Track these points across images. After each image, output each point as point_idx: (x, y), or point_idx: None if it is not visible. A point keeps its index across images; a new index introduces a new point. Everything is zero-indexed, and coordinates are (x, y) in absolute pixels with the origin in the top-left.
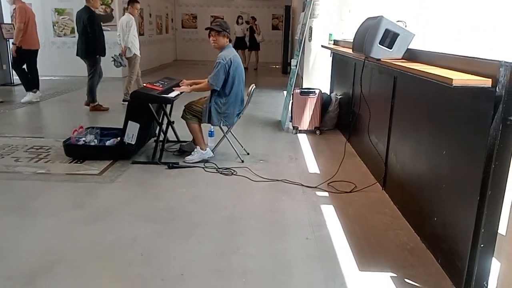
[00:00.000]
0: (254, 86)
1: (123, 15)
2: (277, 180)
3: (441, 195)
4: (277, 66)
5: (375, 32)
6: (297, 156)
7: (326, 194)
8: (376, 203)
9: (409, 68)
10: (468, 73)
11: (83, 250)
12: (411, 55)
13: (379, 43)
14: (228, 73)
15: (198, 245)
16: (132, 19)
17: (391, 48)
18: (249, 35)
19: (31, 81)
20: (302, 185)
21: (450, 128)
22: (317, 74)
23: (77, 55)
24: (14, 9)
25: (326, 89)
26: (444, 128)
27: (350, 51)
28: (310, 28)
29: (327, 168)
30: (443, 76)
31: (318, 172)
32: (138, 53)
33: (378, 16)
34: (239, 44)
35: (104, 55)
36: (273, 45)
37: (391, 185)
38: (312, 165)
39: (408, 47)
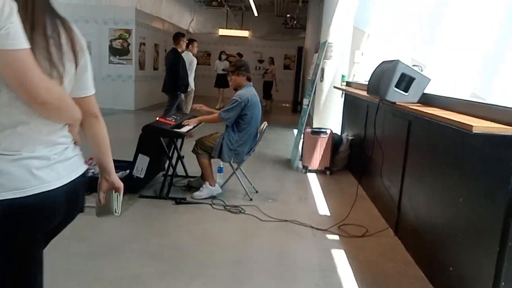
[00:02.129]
0: (266, 124)
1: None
2: (286, 221)
3: (458, 244)
4: (287, 105)
5: (391, 76)
6: (307, 196)
7: (337, 237)
8: (388, 249)
9: (425, 112)
10: (487, 120)
11: (84, 286)
12: (427, 99)
13: (395, 87)
14: (244, 111)
15: (203, 287)
16: (194, 58)
17: (407, 92)
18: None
19: None
20: (312, 227)
21: (467, 175)
22: (328, 114)
23: (162, 90)
24: None
25: (336, 129)
26: (461, 175)
27: (363, 93)
28: (322, 69)
29: (338, 210)
30: (462, 123)
31: (329, 214)
32: (193, 87)
33: (394, 60)
34: (219, 82)
35: (185, 92)
36: (284, 84)
37: (404, 230)
38: (322, 206)
39: (424, 92)
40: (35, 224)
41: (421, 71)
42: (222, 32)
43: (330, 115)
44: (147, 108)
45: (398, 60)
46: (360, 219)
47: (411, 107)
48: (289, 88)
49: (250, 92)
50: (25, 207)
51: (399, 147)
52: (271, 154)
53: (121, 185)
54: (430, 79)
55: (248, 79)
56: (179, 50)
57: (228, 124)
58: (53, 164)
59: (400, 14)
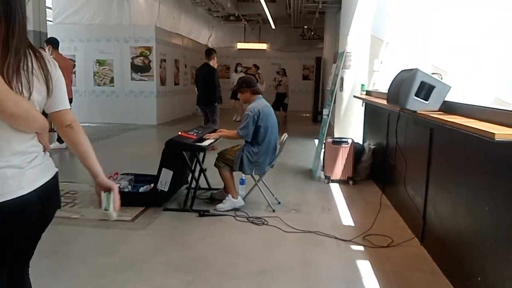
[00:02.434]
0: (287, 135)
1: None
2: (310, 232)
3: (485, 253)
4: (307, 115)
5: (410, 84)
6: (330, 207)
7: (362, 248)
8: (414, 259)
9: (447, 121)
10: (510, 127)
11: None
12: (448, 107)
13: (415, 95)
14: (257, 123)
15: None
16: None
17: (427, 100)
18: None
19: None
20: (336, 238)
21: (492, 183)
22: (349, 123)
23: (197, 104)
24: None
25: (357, 139)
26: (486, 183)
27: (383, 101)
28: (342, 79)
29: (362, 220)
30: (484, 130)
31: (353, 224)
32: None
33: (413, 69)
34: (235, 94)
35: (221, 103)
36: (303, 94)
37: (430, 240)
38: (346, 217)
39: (445, 99)
40: (10, 227)
41: (441, 78)
42: (241, 45)
43: (351, 125)
44: (169, 122)
45: (417, 69)
46: (385, 229)
47: (432, 115)
48: (309, 98)
49: (260, 104)
50: (2, 211)
51: (422, 156)
52: (293, 165)
53: (111, 184)
54: (450, 87)
55: (254, 93)
56: (211, 64)
57: (247, 140)
58: (25, 171)
59: (419, 20)
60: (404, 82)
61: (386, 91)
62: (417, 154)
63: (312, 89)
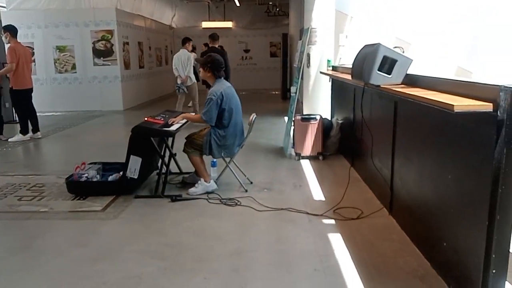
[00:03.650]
0: (255, 115)
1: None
2: (282, 209)
3: (449, 220)
4: (276, 92)
5: (373, 59)
6: (301, 183)
7: (333, 221)
8: (383, 229)
9: (409, 94)
10: (469, 98)
11: None
12: (411, 80)
13: (378, 70)
14: (221, 107)
15: (204, 281)
16: (190, 54)
17: (390, 74)
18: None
19: (26, 123)
20: (308, 213)
21: (454, 153)
22: (317, 100)
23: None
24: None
25: (326, 114)
26: (448, 153)
27: (349, 77)
28: (308, 55)
29: (332, 194)
30: (444, 102)
31: (323, 199)
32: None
33: (375, 43)
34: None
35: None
36: (272, 71)
37: (398, 210)
38: (317, 192)
39: (407, 73)
40: None
41: (403, 52)
42: (205, 24)
43: (319, 101)
44: (135, 107)
45: (379, 43)
46: (354, 201)
47: (395, 89)
48: (277, 76)
49: (222, 87)
50: None
51: (387, 129)
52: (264, 144)
53: None
54: (412, 60)
55: (216, 77)
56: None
57: (211, 124)
58: None
59: None
60: (367, 57)
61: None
62: (383, 127)
63: (280, 66)
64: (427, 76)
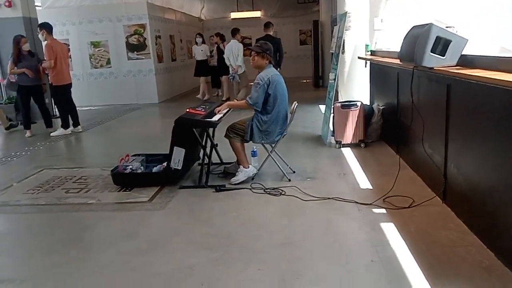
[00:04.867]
0: (297, 104)
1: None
2: (329, 198)
3: None
4: (307, 81)
5: (425, 40)
6: (345, 172)
7: (383, 211)
8: (438, 218)
9: (470, 75)
10: None
11: (143, 281)
12: (466, 61)
13: (431, 51)
14: (267, 92)
15: (258, 272)
16: (240, 44)
17: (443, 56)
18: (217, 58)
19: (66, 118)
20: (356, 202)
21: None
22: (353, 85)
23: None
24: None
25: (365, 100)
26: None
27: (390, 60)
28: (343, 41)
29: (380, 182)
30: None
31: (371, 187)
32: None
33: (427, 24)
34: (199, 69)
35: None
36: (302, 59)
37: (453, 198)
38: (363, 180)
39: (462, 53)
40: None
41: (456, 32)
42: (234, 15)
43: (355, 87)
44: (169, 99)
45: (431, 24)
46: (404, 189)
47: (451, 70)
48: (307, 64)
49: (270, 73)
50: None
51: (439, 113)
52: (301, 132)
53: None
54: (467, 40)
55: (270, 62)
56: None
57: (257, 109)
58: None
59: None
60: (418, 38)
61: (393, 50)
62: (433, 111)
63: (310, 54)
64: (486, 56)
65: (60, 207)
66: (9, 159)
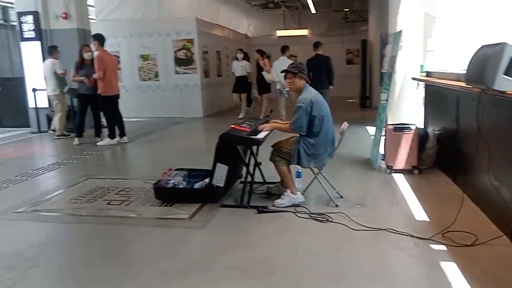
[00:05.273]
0: (348, 124)
1: (241, 59)
2: (381, 229)
3: None
4: (353, 101)
5: (497, 62)
6: (398, 200)
7: (443, 247)
8: (508, 260)
9: None
10: None
11: None
12: None
13: (504, 74)
14: (311, 114)
15: None
16: (290, 61)
17: None
18: (256, 74)
19: (113, 128)
20: (412, 236)
21: None
22: (402, 108)
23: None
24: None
25: (414, 123)
26: None
27: (450, 82)
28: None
29: (437, 214)
30: None
31: (427, 219)
32: None
33: (498, 43)
34: (238, 86)
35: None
36: (348, 79)
37: None
38: (419, 211)
39: None
40: None
41: None
42: (280, 33)
43: (404, 109)
44: (214, 114)
45: (505, 43)
46: (465, 224)
47: None
48: (354, 83)
49: (311, 93)
50: None
51: (510, 142)
52: (348, 154)
53: None
54: None
55: (307, 81)
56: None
57: (303, 134)
58: None
59: None
60: (488, 59)
61: (452, 71)
62: (503, 140)
63: (357, 73)
64: None
65: (100, 219)
66: (56, 166)
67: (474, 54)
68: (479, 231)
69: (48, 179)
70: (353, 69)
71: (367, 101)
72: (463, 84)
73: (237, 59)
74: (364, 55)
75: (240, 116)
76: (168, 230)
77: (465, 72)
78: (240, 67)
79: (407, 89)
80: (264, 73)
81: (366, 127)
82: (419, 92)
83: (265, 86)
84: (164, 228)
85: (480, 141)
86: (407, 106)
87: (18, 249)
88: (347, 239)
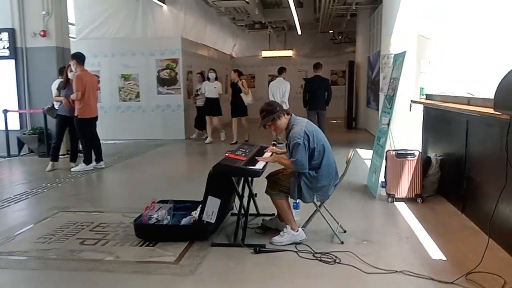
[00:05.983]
0: (354, 152)
1: (214, 80)
2: (397, 271)
3: None
4: (338, 121)
5: None
6: (407, 235)
7: None
8: None
9: None
10: None
11: None
12: None
13: None
14: (309, 147)
15: None
16: (288, 82)
17: None
18: (232, 96)
19: (89, 152)
20: (432, 279)
21: None
22: (400, 132)
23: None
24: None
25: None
26: None
27: (459, 106)
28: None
29: (453, 251)
30: None
31: (444, 257)
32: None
33: None
34: (209, 109)
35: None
36: (333, 100)
37: None
38: (432, 248)
39: None
40: None
41: None
42: (265, 53)
43: (401, 133)
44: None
45: None
46: (486, 264)
47: None
48: (338, 104)
49: (301, 124)
50: None
51: None
52: (344, 180)
53: None
54: None
55: (288, 114)
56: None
57: (306, 171)
58: None
59: (479, 14)
60: None
61: (454, 94)
62: None
63: (341, 94)
64: None
65: (72, 264)
66: (24, 196)
67: (505, 77)
68: (502, 270)
69: (14, 213)
70: (337, 90)
71: (353, 122)
72: (474, 108)
73: (208, 79)
74: (351, 77)
75: (207, 141)
76: (150, 277)
77: (490, 97)
78: (213, 88)
79: (398, 113)
80: (242, 95)
81: (356, 149)
82: (415, 116)
83: (240, 109)
84: (145, 275)
85: (499, 170)
86: (399, 130)
87: None
88: (360, 285)
